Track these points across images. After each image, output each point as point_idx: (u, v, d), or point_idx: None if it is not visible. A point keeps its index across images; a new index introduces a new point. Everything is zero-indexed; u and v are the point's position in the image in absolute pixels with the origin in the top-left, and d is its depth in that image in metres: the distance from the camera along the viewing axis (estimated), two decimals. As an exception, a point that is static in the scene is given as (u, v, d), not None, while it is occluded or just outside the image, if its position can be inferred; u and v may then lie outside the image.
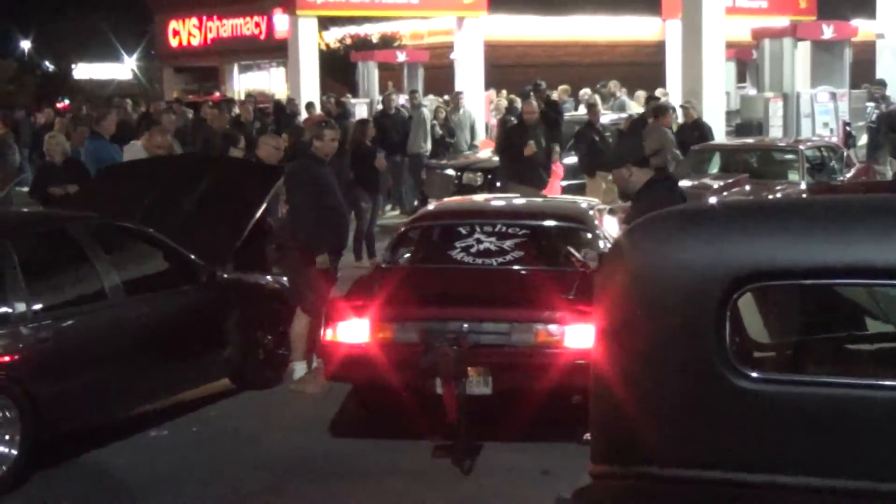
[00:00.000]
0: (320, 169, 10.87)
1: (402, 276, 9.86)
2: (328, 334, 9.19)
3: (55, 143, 14.49)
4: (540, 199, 13.54)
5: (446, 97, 26.19)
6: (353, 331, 9.03)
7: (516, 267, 9.87)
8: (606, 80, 28.12)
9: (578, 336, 8.46)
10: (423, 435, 8.88)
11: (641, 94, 25.51)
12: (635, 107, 24.35)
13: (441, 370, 8.17)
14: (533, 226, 10.47)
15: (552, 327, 8.76)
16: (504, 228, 10.27)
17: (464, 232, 10.29)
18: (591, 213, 10.86)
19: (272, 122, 24.84)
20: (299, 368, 10.73)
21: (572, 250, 9.90)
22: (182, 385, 10.08)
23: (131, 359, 9.35)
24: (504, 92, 30.33)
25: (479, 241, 10.10)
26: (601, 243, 10.06)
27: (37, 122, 28.10)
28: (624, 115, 21.39)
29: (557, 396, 8.67)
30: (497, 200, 12.93)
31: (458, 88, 30.88)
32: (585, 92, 26.71)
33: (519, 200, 12.81)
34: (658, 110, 18.59)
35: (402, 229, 10.89)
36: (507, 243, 10.05)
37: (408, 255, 10.63)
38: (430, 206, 12.25)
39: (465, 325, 8.68)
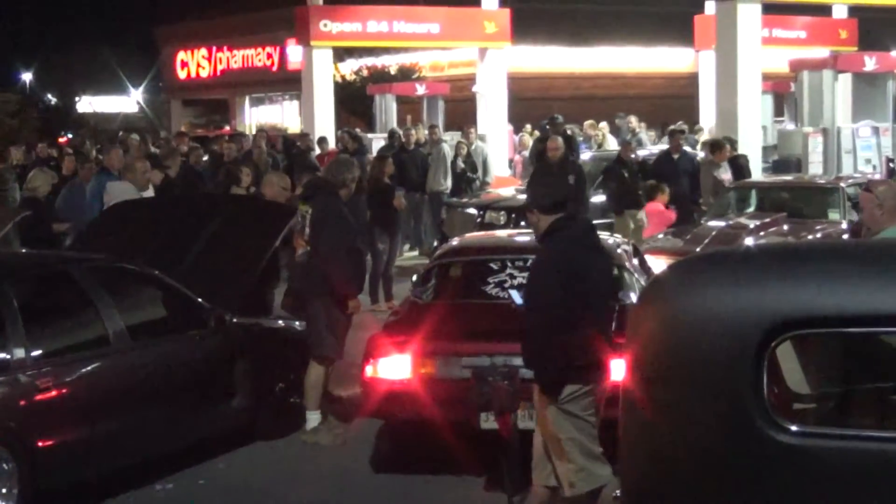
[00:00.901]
0: (345, 209, 10.94)
1: (441, 311, 10.05)
2: (368, 371, 9.52)
3: (42, 180, 14.76)
4: None
5: (473, 131, 26.26)
6: (394, 367, 9.34)
7: None
8: (626, 114, 28.15)
9: (622, 369, 8.55)
10: (461, 470, 9.13)
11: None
12: (650, 142, 24.48)
13: (495, 404, 8.37)
14: None
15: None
16: (523, 263, 10.46)
17: (495, 267, 10.61)
18: (619, 248, 11.08)
19: (283, 157, 24.86)
20: (313, 418, 10.70)
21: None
22: (189, 436, 10.06)
23: (136, 408, 9.34)
24: (528, 127, 30.40)
25: (512, 277, 10.36)
26: (632, 279, 10.43)
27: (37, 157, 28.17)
28: (646, 152, 21.45)
29: (602, 430, 8.75)
30: (524, 236, 13.09)
31: (479, 122, 30.98)
32: (604, 126, 26.79)
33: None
34: (714, 146, 18.72)
35: (431, 265, 11.14)
36: None
37: (439, 290, 10.74)
38: (455, 242, 12.31)
39: (516, 360, 8.81)
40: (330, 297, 10.57)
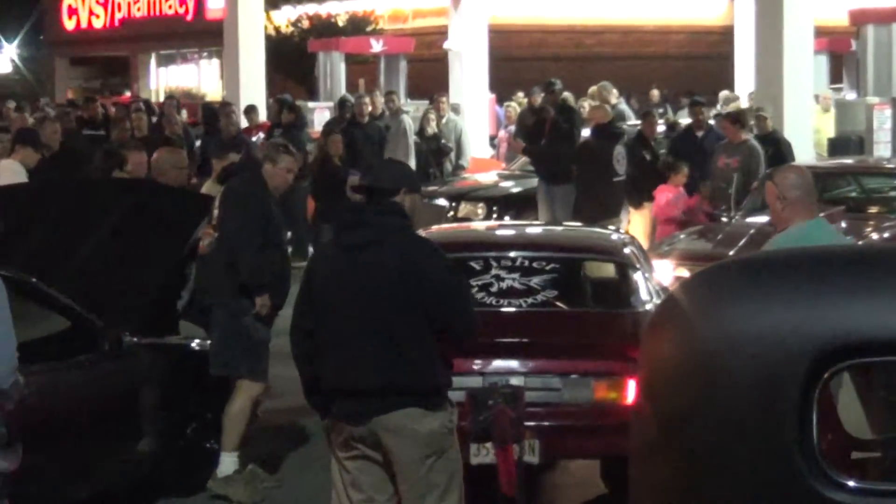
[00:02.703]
0: (268, 196, 10.93)
1: None
2: None
3: None
4: (561, 229, 14.71)
5: (444, 101, 26.28)
6: None
7: (550, 309, 10.55)
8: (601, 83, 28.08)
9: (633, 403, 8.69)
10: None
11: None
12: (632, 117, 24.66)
13: (497, 433, 8.43)
14: (560, 259, 11.24)
15: (613, 380, 9.58)
16: (525, 263, 10.83)
17: (477, 268, 10.74)
18: (626, 247, 11.57)
19: (203, 132, 24.83)
20: (228, 462, 10.64)
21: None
22: (76, 490, 10.02)
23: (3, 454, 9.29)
24: (520, 95, 30.44)
25: (499, 279, 10.60)
26: (644, 281, 10.93)
27: None
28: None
29: (619, 463, 8.92)
30: (506, 229, 13.32)
31: (452, 88, 31.02)
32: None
33: (534, 229, 13.78)
34: (733, 118, 18.86)
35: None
36: (534, 281, 10.64)
37: None
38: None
39: (521, 380, 9.18)
40: (242, 299, 10.59)
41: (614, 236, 12.50)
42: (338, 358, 7.45)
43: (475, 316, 7.69)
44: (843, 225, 16.09)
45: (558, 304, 10.69)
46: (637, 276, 10.93)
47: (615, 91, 27.15)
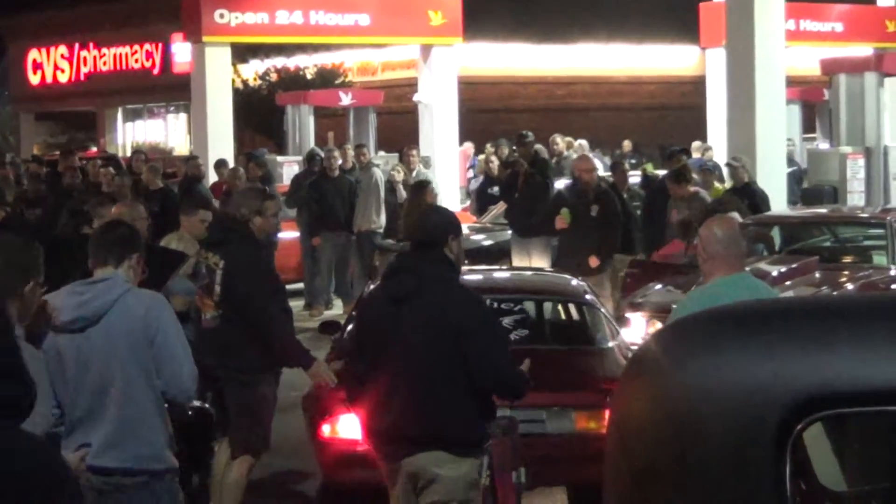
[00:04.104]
0: (265, 255, 11.05)
1: None
2: (325, 431, 10.47)
3: None
4: (529, 274, 15.45)
5: (414, 154, 26.37)
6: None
7: (525, 347, 11.07)
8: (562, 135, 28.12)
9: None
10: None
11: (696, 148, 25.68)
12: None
13: (497, 461, 8.60)
14: (531, 300, 12.70)
15: (592, 411, 10.45)
16: (496, 305, 11.51)
17: None
18: (587, 293, 12.60)
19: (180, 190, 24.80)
20: None
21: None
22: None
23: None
24: (489, 147, 30.53)
25: None
26: (607, 322, 11.98)
27: None
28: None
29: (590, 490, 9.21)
30: (475, 274, 13.58)
31: (423, 141, 31.09)
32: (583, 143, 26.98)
33: (503, 274, 14.51)
34: (675, 177, 18.92)
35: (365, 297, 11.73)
36: (506, 321, 11.35)
37: None
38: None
39: (514, 413, 9.35)
40: (253, 373, 10.52)
41: (574, 282, 13.12)
42: (384, 402, 7.91)
43: (517, 371, 8.06)
44: (818, 275, 16.16)
45: (533, 343, 11.75)
46: (600, 317, 11.92)
47: (568, 140, 27.34)
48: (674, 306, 11.69)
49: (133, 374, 7.37)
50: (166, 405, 7.66)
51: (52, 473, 4.21)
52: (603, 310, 12.21)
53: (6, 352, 4.34)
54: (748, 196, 19.60)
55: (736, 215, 18.11)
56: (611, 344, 11.46)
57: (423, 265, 8.10)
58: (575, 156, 25.62)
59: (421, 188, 19.21)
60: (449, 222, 8.43)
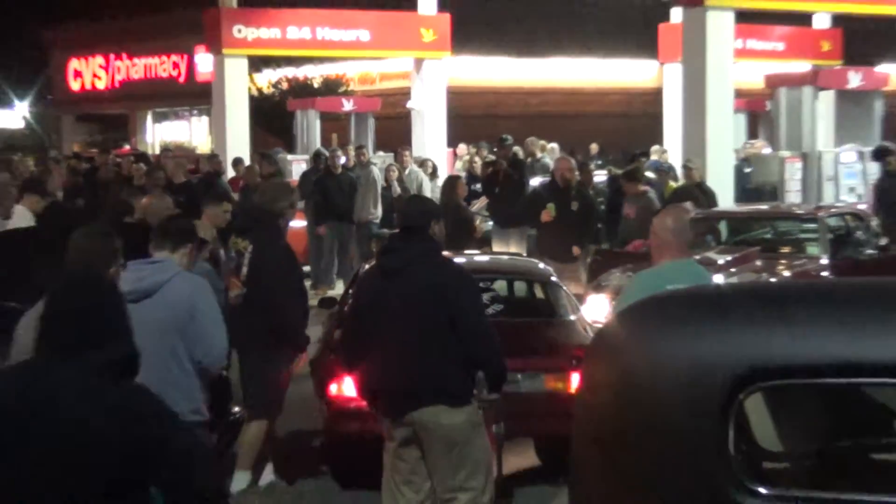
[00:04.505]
0: (287, 243, 11.07)
1: None
2: (333, 390, 10.59)
3: None
4: (506, 258, 15.40)
5: (407, 154, 26.32)
6: None
7: (501, 319, 11.39)
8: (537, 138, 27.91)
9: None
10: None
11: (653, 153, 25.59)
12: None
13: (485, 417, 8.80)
14: (507, 279, 13.27)
15: (559, 374, 10.60)
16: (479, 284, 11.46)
17: None
18: (552, 274, 12.65)
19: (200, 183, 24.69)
20: (241, 479, 10.60)
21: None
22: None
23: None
24: (463, 147, 30.49)
25: None
26: (568, 297, 12.14)
27: None
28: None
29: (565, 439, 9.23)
30: (460, 258, 13.72)
31: (415, 143, 31.05)
32: (554, 146, 26.89)
33: (484, 258, 14.29)
34: (627, 176, 18.93)
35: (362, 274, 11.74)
36: (485, 297, 11.26)
37: None
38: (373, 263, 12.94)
39: None
40: (273, 346, 10.53)
41: (541, 265, 13.31)
42: (379, 364, 7.97)
43: (495, 338, 8.05)
44: (759, 264, 16.16)
45: (508, 316, 11.96)
46: (564, 294, 12.06)
47: (541, 144, 27.24)
48: (627, 278, 11.86)
49: (166, 344, 7.42)
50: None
51: (167, 410, 4.82)
52: (565, 288, 12.32)
53: (120, 311, 4.84)
54: (700, 193, 19.63)
55: (689, 205, 18.16)
56: (573, 317, 11.64)
57: (411, 244, 8.16)
58: (548, 157, 25.57)
59: (452, 183, 19.09)
60: (430, 210, 8.55)
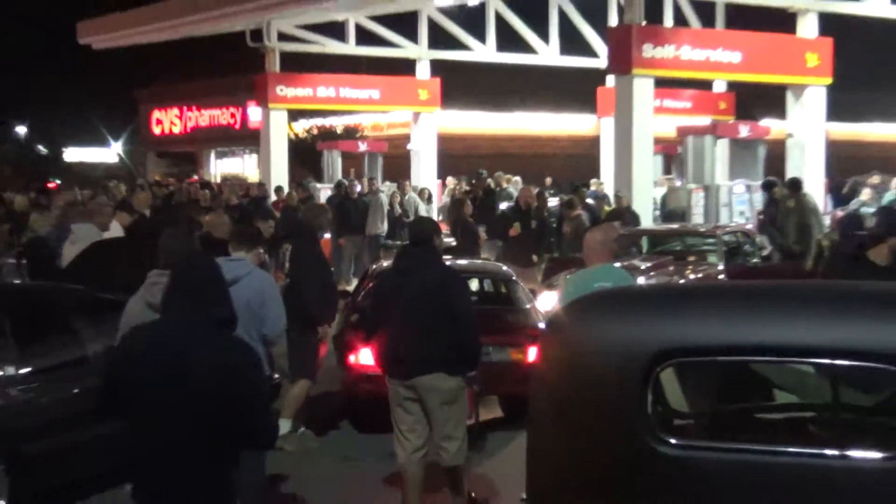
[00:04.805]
0: (320, 248, 11.12)
1: None
2: (352, 359, 10.86)
3: (41, 222, 14.63)
4: (479, 262, 15.06)
5: (407, 184, 26.34)
6: (370, 356, 9.90)
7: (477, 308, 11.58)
8: (502, 173, 27.80)
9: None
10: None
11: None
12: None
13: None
14: (479, 278, 13.47)
15: (520, 348, 10.82)
16: None
17: None
18: (513, 274, 12.67)
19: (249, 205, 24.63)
20: (283, 425, 10.55)
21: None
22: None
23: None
24: (450, 179, 30.47)
25: None
26: (524, 292, 12.23)
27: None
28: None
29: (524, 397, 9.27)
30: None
31: (413, 175, 31.06)
32: (517, 179, 26.83)
33: (462, 261, 14.05)
34: (567, 204, 18.98)
35: (372, 277, 12.33)
36: None
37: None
38: (384, 264, 13.13)
39: None
40: (306, 324, 10.53)
41: (505, 268, 13.32)
42: (394, 338, 8.08)
43: (476, 326, 8.16)
44: (672, 269, 16.17)
45: (481, 304, 12.18)
46: (522, 289, 12.26)
47: (507, 177, 27.24)
48: (566, 278, 11.94)
49: (243, 320, 7.42)
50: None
51: (257, 359, 5.22)
52: (522, 285, 12.49)
53: (224, 283, 5.20)
54: (630, 216, 19.64)
55: (618, 224, 18.19)
56: (529, 307, 11.82)
57: (418, 253, 8.28)
58: (512, 188, 25.58)
59: (460, 204, 19.06)
60: (433, 227, 8.65)
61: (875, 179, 25.14)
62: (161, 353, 4.91)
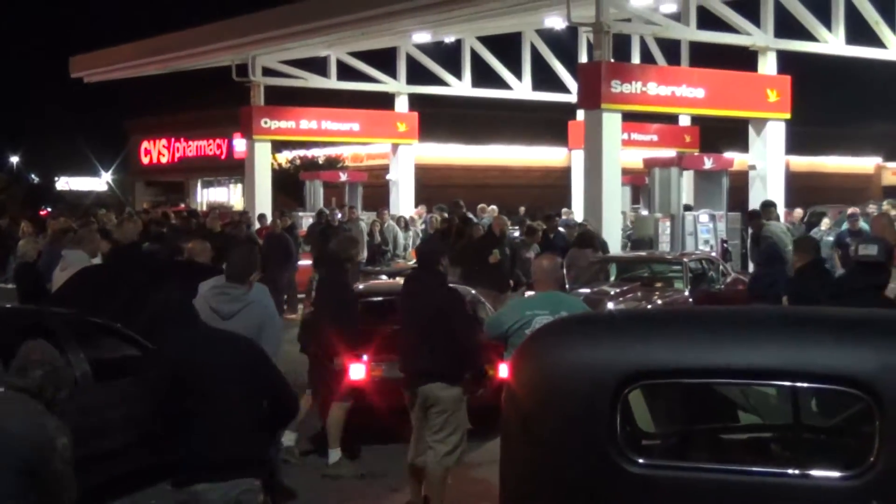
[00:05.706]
0: (348, 279, 11.12)
1: (384, 335, 10.88)
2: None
3: (30, 247, 14.56)
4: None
5: (386, 213, 26.31)
6: (358, 371, 10.60)
7: None
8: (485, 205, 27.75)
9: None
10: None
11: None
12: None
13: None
14: None
15: (491, 363, 10.42)
16: None
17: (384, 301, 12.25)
18: (478, 296, 12.86)
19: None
20: (334, 454, 10.30)
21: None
22: (149, 458, 9.75)
23: (101, 435, 9.10)
24: (420, 208, 30.48)
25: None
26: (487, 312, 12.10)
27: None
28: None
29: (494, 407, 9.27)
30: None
31: (392, 205, 31.06)
32: (493, 209, 26.87)
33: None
34: (529, 230, 18.92)
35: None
36: None
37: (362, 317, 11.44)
38: (363, 286, 13.38)
39: None
40: (337, 348, 10.29)
41: (473, 291, 13.06)
42: (404, 352, 8.73)
43: (478, 342, 8.67)
44: (640, 294, 16.18)
45: None
46: (488, 310, 12.26)
47: (482, 206, 27.24)
48: (511, 301, 11.97)
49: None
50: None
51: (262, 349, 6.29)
52: (489, 306, 12.59)
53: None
54: (600, 245, 19.63)
55: (589, 251, 18.20)
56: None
57: (425, 275, 8.76)
58: (487, 217, 25.60)
59: (469, 225, 19.04)
60: (438, 250, 9.10)
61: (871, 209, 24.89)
62: (214, 350, 5.85)
